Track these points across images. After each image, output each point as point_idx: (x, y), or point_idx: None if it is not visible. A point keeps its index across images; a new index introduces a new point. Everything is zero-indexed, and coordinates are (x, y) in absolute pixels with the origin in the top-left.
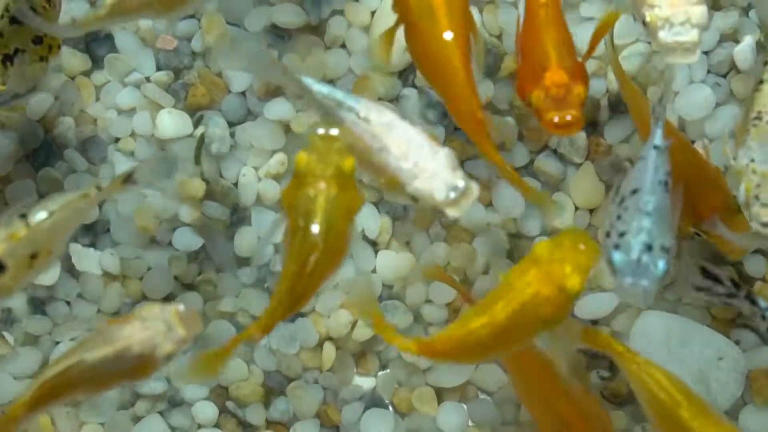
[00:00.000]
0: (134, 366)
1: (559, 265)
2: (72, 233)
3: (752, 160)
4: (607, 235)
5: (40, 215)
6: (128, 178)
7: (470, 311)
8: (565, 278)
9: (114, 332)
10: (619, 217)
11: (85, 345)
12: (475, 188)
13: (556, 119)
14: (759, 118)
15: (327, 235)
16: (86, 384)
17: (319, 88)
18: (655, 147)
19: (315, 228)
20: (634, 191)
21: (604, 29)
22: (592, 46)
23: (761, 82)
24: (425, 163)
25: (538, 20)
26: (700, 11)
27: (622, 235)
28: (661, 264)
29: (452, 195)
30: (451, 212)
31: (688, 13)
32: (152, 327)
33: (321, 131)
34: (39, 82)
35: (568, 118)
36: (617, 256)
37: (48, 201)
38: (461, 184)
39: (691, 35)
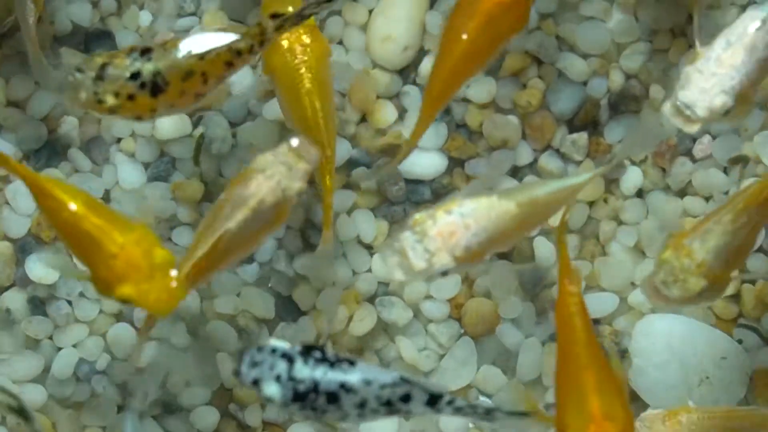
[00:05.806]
0: (273, 214)
1: None
2: None
3: None
4: None
5: None
6: None
7: None
8: None
9: (242, 193)
10: None
11: (220, 215)
12: None
13: None
14: None
15: None
16: (236, 249)
17: None
18: None
19: None
20: None
21: None
22: None
23: None
24: None
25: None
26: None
27: None
28: None
29: None
30: None
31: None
32: (275, 173)
33: None
34: None
35: None
36: None
37: None
38: None
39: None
